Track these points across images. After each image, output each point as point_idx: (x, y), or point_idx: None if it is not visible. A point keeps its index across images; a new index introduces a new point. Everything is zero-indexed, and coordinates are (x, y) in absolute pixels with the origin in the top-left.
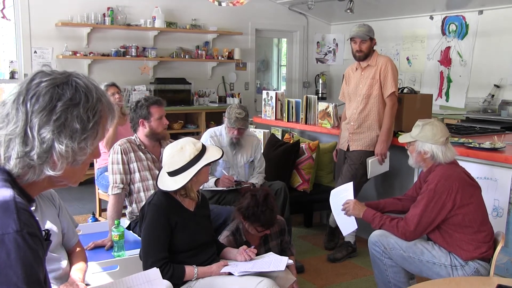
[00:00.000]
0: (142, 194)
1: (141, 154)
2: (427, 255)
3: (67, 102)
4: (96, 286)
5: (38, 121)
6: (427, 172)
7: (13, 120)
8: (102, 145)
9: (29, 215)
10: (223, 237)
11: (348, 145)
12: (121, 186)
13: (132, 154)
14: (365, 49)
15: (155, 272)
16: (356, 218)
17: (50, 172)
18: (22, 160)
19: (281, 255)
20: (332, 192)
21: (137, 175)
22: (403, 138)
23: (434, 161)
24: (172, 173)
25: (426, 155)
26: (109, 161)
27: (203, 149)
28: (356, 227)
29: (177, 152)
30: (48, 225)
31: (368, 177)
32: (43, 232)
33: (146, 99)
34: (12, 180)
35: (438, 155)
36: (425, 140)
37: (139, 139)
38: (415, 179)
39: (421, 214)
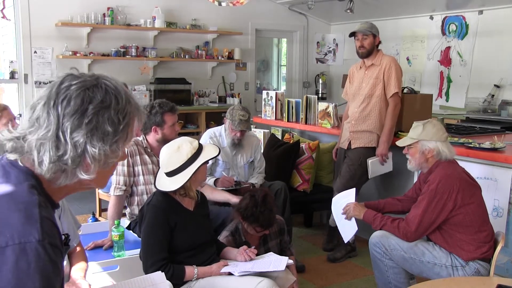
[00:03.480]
0: (145, 197)
1: (147, 157)
2: (428, 256)
3: (98, 105)
4: (100, 287)
5: (70, 125)
6: (427, 173)
7: (44, 124)
8: None
9: (51, 225)
10: (222, 238)
11: (349, 142)
12: (124, 188)
13: (137, 157)
14: (367, 45)
15: (159, 275)
16: (356, 220)
17: (84, 176)
18: (55, 165)
19: (280, 255)
20: (334, 199)
21: (141, 178)
22: (403, 142)
23: (440, 158)
24: (171, 173)
25: (431, 154)
26: None
27: (200, 147)
28: (357, 228)
29: (174, 151)
30: None
31: (370, 177)
32: (63, 237)
33: (160, 105)
34: (39, 185)
35: (444, 151)
36: (429, 138)
37: (147, 141)
38: (415, 179)
39: (422, 214)
